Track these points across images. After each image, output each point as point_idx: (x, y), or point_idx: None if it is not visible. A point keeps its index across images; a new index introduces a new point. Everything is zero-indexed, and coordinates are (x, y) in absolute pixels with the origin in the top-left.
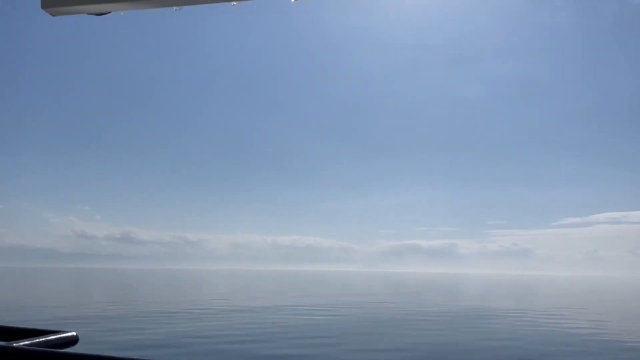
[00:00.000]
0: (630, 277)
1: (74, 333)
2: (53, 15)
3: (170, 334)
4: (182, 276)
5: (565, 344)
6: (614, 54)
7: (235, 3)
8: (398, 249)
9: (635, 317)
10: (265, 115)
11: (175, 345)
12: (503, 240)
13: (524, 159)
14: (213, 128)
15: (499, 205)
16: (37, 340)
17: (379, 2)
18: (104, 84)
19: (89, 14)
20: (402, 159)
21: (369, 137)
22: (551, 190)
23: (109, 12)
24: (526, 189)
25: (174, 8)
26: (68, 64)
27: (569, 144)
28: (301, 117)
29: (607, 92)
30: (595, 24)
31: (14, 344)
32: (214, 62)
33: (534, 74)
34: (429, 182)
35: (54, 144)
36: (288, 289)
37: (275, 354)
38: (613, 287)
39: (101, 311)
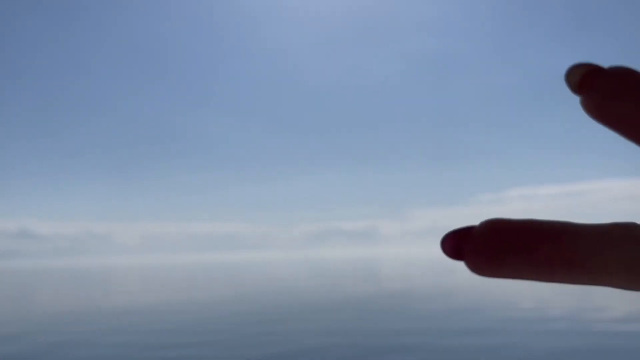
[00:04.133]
0: None
1: None
2: None
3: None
4: (73, 275)
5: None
6: (531, 31)
7: None
8: (319, 233)
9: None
10: (173, 93)
11: None
12: (423, 219)
13: (441, 137)
14: (116, 108)
15: (418, 184)
16: None
17: None
18: None
19: None
20: (318, 139)
21: (284, 117)
22: (467, 167)
23: None
24: (443, 166)
25: None
26: None
27: (485, 120)
28: (213, 95)
29: (521, 69)
30: (511, 3)
31: None
32: (109, 35)
33: (451, 51)
34: (346, 164)
35: None
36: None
37: None
38: None
39: None
